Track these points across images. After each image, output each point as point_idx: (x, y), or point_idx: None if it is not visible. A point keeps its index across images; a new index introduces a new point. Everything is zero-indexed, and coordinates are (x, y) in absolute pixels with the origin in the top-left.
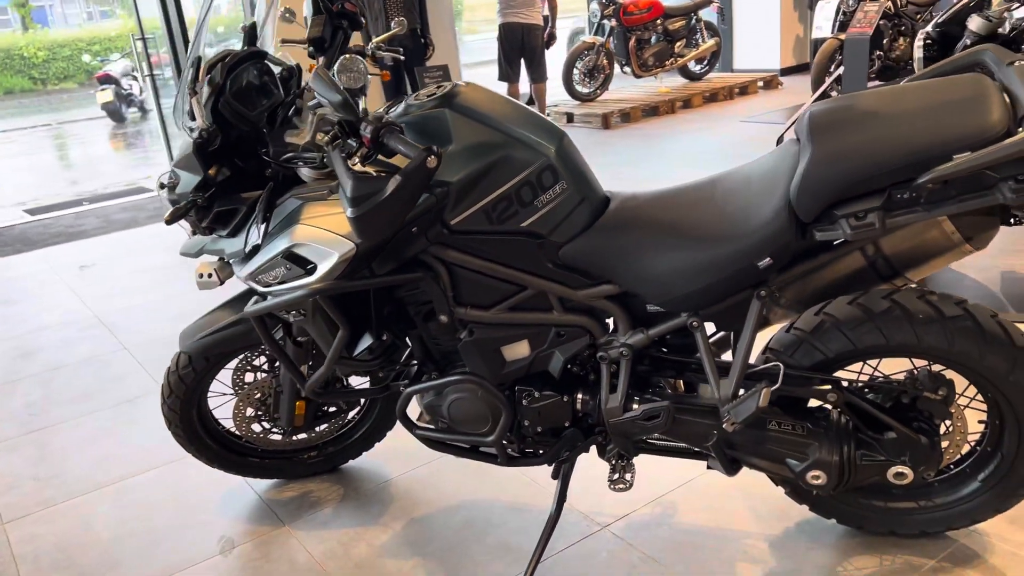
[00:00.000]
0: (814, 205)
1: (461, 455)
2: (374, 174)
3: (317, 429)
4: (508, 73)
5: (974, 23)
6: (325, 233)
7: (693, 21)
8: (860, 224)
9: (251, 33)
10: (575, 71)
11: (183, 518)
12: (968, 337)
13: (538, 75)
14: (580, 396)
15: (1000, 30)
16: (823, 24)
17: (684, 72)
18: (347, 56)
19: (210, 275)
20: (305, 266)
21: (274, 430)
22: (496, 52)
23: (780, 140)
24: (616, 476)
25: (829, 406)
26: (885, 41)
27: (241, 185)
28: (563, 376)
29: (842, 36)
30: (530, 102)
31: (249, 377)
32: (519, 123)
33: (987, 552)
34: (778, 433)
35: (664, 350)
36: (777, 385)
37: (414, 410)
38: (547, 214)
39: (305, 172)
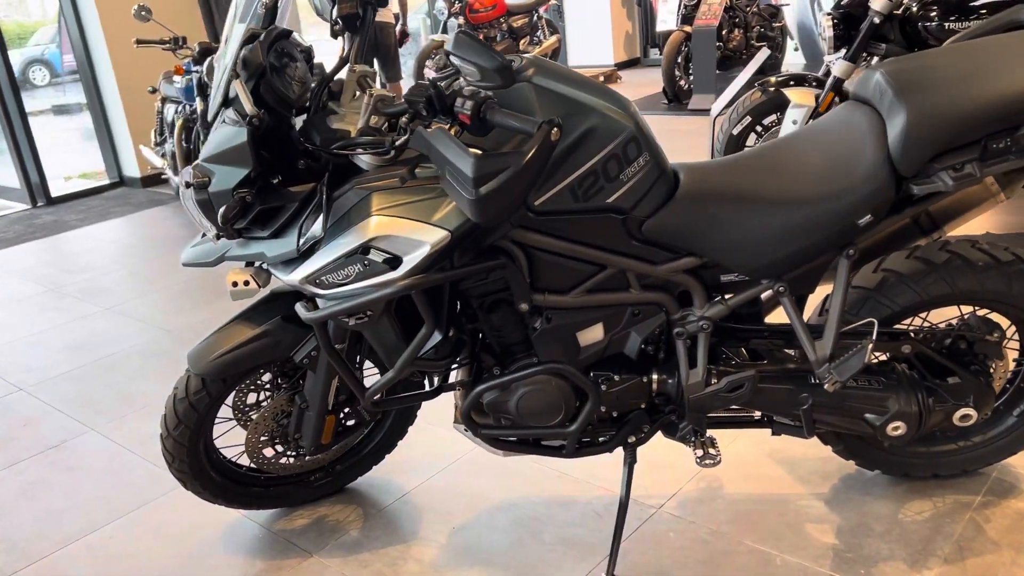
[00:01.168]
0: (918, 159)
1: (523, 451)
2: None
3: (334, 446)
4: None
5: (877, 3)
6: (410, 223)
7: (535, 18)
8: (960, 175)
9: (272, 10)
10: (426, 69)
11: (187, 567)
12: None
13: (393, 74)
14: (656, 376)
15: (896, 12)
16: (667, 18)
17: None
18: (214, 57)
19: (246, 283)
20: (385, 261)
21: (288, 453)
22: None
23: (715, 119)
24: (701, 453)
25: (886, 358)
26: (724, 32)
27: (278, 179)
28: (639, 356)
29: (687, 28)
30: None
31: (252, 398)
32: (598, 94)
33: (1023, 481)
34: (858, 390)
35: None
36: (874, 339)
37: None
38: (632, 188)
39: (365, 160)
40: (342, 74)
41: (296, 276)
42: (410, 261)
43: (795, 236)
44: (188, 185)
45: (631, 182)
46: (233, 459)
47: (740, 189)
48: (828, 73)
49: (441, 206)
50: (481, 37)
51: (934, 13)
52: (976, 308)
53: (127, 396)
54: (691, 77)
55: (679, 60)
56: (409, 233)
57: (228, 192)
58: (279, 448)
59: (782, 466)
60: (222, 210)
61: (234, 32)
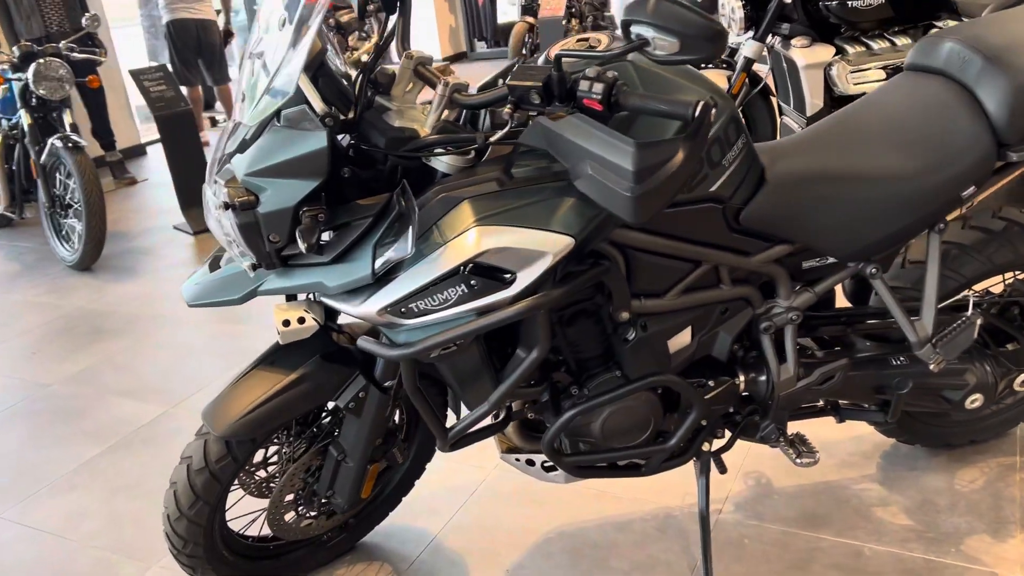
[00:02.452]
0: (1021, 126)
1: (604, 475)
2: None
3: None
4: (186, 76)
5: None
6: (525, 231)
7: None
8: None
9: None
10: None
11: None
12: None
13: (221, 75)
14: (744, 376)
15: None
16: (508, 9)
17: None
18: (43, 62)
19: (301, 320)
20: (495, 278)
21: (311, 515)
22: (167, 52)
23: None
24: (795, 452)
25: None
26: (564, 23)
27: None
28: (728, 357)
29: (530, 19)
30: (208, 106)
31: (259, 456)
32: (694, 73)
33: None
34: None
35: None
36: (972, 313)
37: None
38: (732, 174)
39: (445, 162)
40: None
41: (371, 306)
42: (527, 276)
43: (899, 214)
44: (229, 206)
45: (731, 168)
46: (240, 530)
47: (833, 168)
48: (734, 54)
49: (557, 209)
50: None
51: None
52: (1018, 273)
53: (27, 469)
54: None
55: (524, 51)
56: (525, 243)
57: (288, 211)
58: (303, 510)
59: (820, 452)
60: (299, 232)
61: (277, 15)
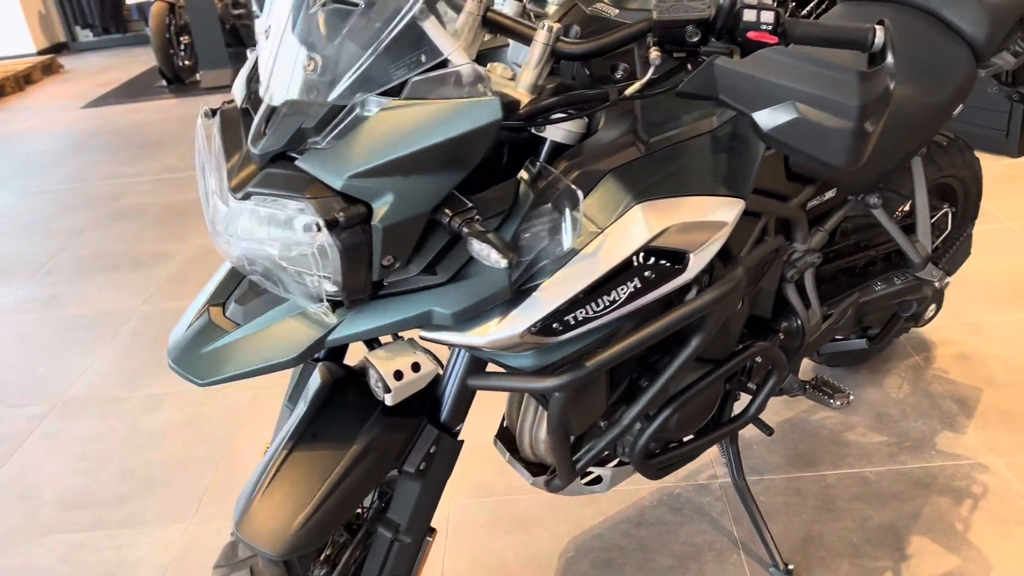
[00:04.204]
0: (997, 41)
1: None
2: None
3: None
4: None
5: None
6: (695, 200)
7: None
8: (1021, 52)
9: None
10: None
11: None
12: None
13: None
14: (779, 327)
15: None
16: None
17: None
18: None
19: (415, 366)
20: (667, 263)
21: None
22: None
23: None
24: (831, 393)
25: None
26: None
27: None
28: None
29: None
30: None
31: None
32: None
33: (921, 333)
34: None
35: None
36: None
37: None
38: None
39: (564, 130)
40: None
41: (509, 330)
42: (705, 252)
43: (904, 140)
44: (335, 224)
45: None
46: None
47: None
48: None
49: (716, 168)
50: None
51: None
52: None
53: None
54: (185, 52)
55: (170, 35)
56: (699, 215)
57: (422, 219)
58: None
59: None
60: (425, 247)
61: None
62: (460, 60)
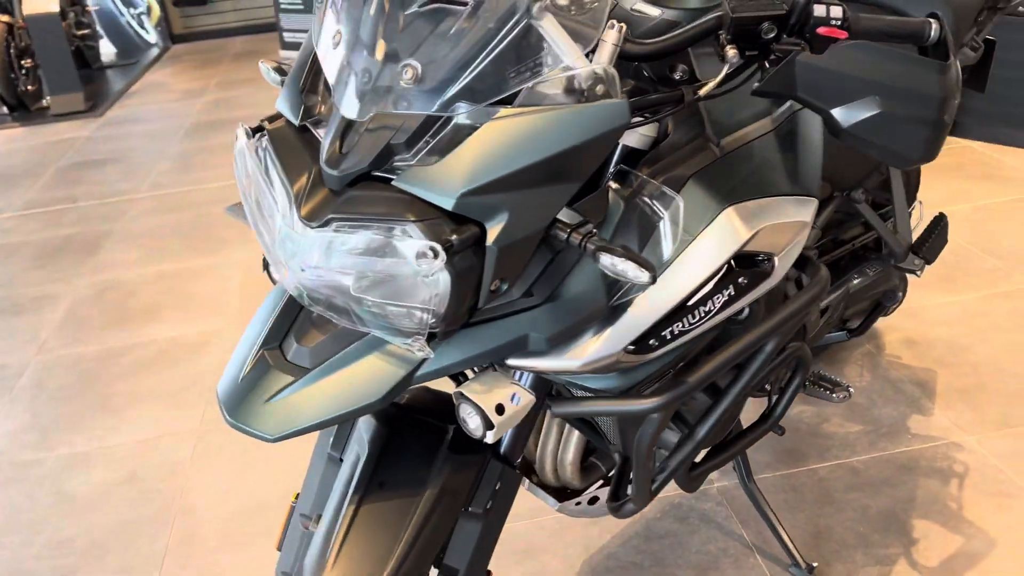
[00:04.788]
0: (958, 38)
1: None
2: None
3: None
4: None
5: None
6: (778, 202)
7: None
8: (979, 46)
9: None
10: None
11: None
12: None
13: None
14: None
15: None
16: None
17: None
18: None
19: (514, 397)
20: (756, 267)
21: None
22: None
23: None
24: (831, 388)
25: None
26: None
27: None
28: None
29: (5, 18)
30: None
31: None
32: None
33: None
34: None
35: None
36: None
37: None
38: None
39: (641, 133)
40: None
41: (607, 348)
42: (791, 252)
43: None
44: (444, 250)
45: None
46: None
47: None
48: None
49: (789, 167)
50: None
51: None
52: None
53: None
54: (28, 76)
55: (9, 58)
56: (783, 216)
57: (538, 236)
58: None
59: None
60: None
61: None
62: (580, 62)
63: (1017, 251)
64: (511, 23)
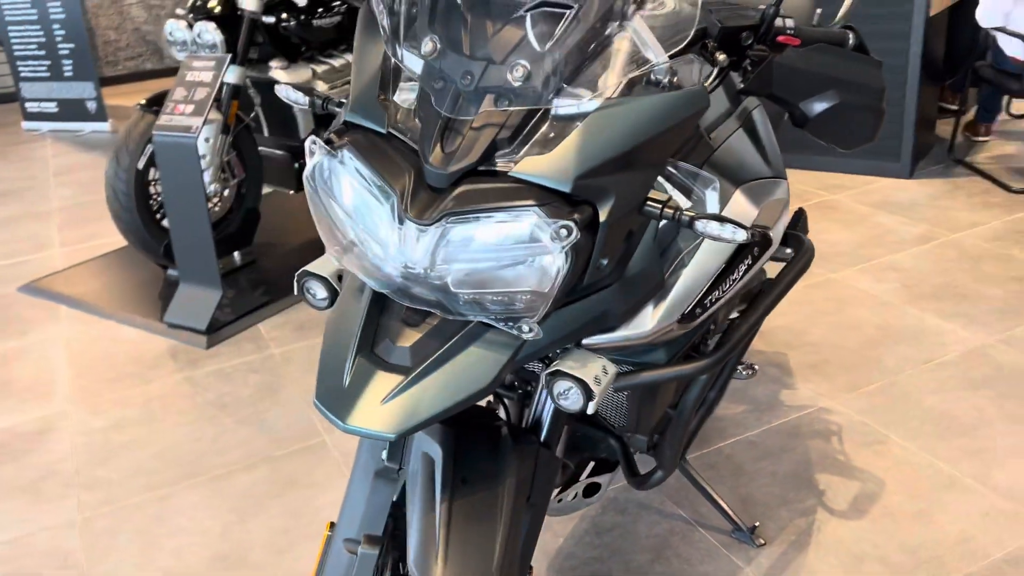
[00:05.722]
0: None
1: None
2: None
3: None
4: None
5: (249, 3)
6: (769, 183)
7: None
8: None
9: None
10: None
11: None
12: None
13: None
14: None
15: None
16: None
17: None
18: None
19: (604, 369)
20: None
21: None
22: None
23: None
24: (743, 368)
25: None
26: None
27: None
28: None
29: None
30: None
31: None
32: None
33: None
34: None
35: None
36: None
37: None
38: None
39: None
40: None
41: (671, 317)
42: (779, 227)
43: None
44: (570, 230)
45: None
46: None
47: None
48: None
49: (767, 154)
50: None
51: (300, 12)
52: None
53: None
54: None
55: None
56: (771, 194)
57: (632, 213)
58: None
59: None
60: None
61: None
62: (663, 57)
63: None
64: (609, 24)
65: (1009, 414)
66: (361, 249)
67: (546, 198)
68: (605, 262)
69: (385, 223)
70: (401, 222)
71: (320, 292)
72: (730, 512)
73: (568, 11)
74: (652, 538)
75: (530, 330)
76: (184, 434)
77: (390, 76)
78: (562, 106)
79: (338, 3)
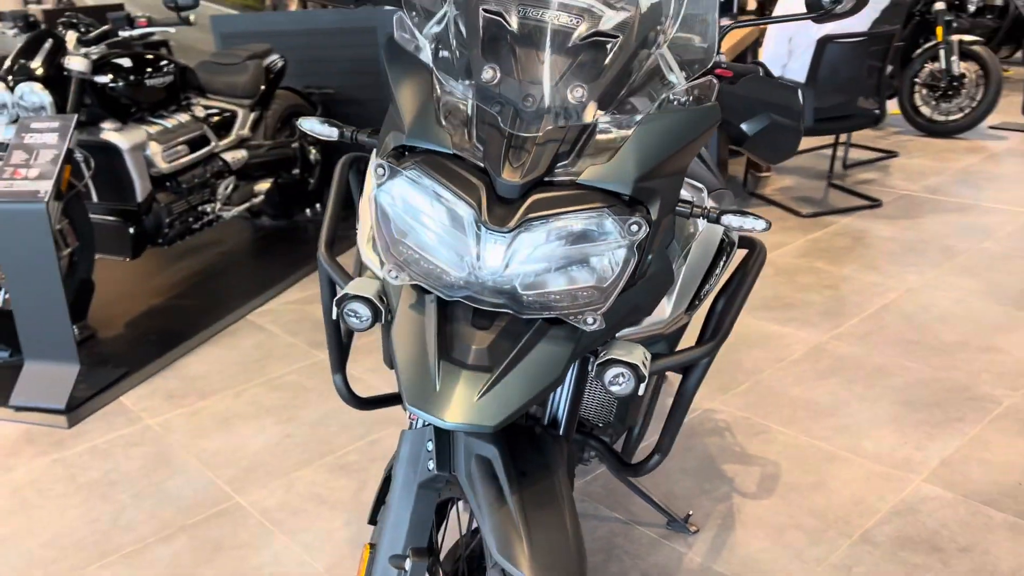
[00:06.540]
0: None
1: None
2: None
3: None
4: None
5: (77, 63)
6: (716, 193)
7: None
8: None
9: None
10: None
11: None
12: None
13: None
14: None
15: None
16: None
17: None
18: None
19: (645, 355)
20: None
21: None
22: None
23: None
24: None
25: None
26: None
27: None
28: None
29: None
30: None
31: None
32: None
33: None
34: None
35: None
36: None
37: None
38: None
39: None
40: None
41: (681, 306)
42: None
43: None
44: (640, 225)
45: None
46: None
47: None
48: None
49: (702, 169)
50: None
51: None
52: None
53: None
54: None
55: None
56: (723, 201)
57: (671, 213)
58: None
59: None
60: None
61: None
62: (683, 80)
63: None
64: (643, 51)
65: (859, 395)
66: (429, 261)
67: (610, 200)
68: (650, 258)
69: (461, 234)
70: (479, 231)
71: (364, 312)
72: (663, 506)
73: (614, 40)
74: (598, 540)
75: (594, 321)
76: (75, 516)
77: (439, 104)
78: (612, 121)
79: (166, 64)
